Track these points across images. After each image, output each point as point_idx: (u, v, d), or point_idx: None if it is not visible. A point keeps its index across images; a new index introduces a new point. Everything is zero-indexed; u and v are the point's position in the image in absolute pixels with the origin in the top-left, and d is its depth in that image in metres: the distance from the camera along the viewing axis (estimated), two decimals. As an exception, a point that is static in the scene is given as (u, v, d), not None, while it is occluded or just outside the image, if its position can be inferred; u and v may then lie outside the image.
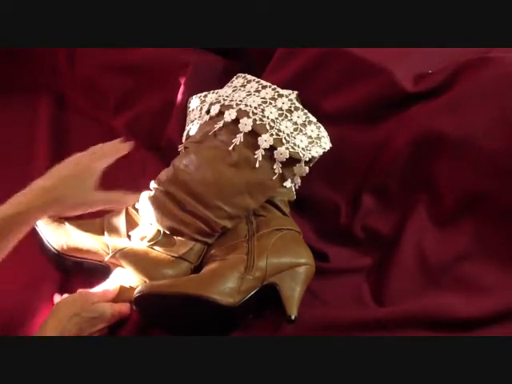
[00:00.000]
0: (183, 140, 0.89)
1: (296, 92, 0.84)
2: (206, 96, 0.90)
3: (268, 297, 0.75)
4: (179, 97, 0.95)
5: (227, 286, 0.70)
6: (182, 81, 0.95)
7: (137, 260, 0.77)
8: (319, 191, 0.90)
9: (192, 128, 0.87)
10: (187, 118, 0.92)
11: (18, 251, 0.82)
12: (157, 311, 0.73)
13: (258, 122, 0.76)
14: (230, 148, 0.76)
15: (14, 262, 0.81)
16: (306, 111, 0.80)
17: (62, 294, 0.79)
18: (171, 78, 0.97)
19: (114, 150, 0.77)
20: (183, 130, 0.91)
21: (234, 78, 0.85)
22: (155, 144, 0.99)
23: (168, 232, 0.77)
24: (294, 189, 0.86)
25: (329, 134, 0.85)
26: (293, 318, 0.72)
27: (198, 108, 0.90)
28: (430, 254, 0.85)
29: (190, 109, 0.91)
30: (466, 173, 0.85)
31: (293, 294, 0.74)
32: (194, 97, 0.92)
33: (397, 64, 0.86)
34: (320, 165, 0.89)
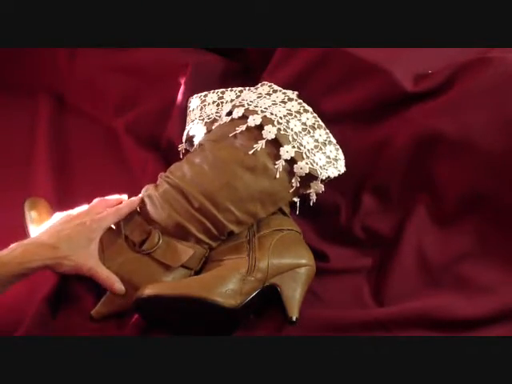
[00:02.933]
0: (183, 140, 0.89)
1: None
2: (206, 96, 0.90)
3: (269, 297, 0.75)
4: (179, 97, 0.95)
5: (229, 288, 0.71)
6: (182, 81, 0.95)
7: (133, 273, 0.75)
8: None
9: (192, 128, 0.87)
10: (187, 118, 0.92)
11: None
12: (158, 313, 0.73)
13: (282, 132, 0.76)
14: (250, 152, 0.76)
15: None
16: (327, 131, 0.80)
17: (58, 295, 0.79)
18: (171, 78, 0.97)
19: (116, 210, 0.77)
20: (183, 130, 0.91)
21: (259, 85, 0.85)
22: (155, 144, 0.99)
23: (171, 233, 0.76)
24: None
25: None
26: (294, 319, 0.73)
27: (199, 108, 0.89)
28: (430, 254, 0.85)
29: (190, 109, 0.91)
30: (466, 173, 0.85)
31: (294, 295, 0.74)
32: (194, 97, 0.92)
33: (397, 64, 0.86)
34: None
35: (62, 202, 0.91)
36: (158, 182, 0.79)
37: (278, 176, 0.76)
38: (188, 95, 0.93)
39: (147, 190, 0.79)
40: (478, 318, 0.76)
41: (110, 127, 1.03)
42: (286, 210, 0.84)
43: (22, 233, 0.81)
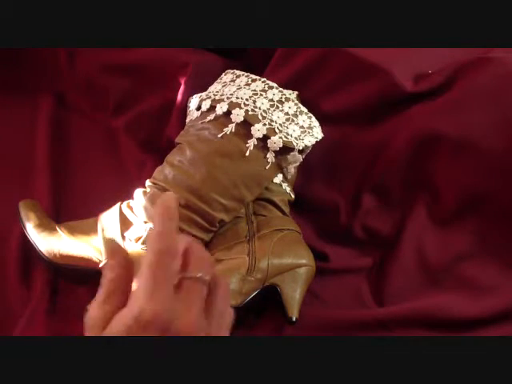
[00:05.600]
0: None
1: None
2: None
3: (269, 297, 0.75)
4: (179, 97, 0.95)
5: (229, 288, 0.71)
6: (182, 81, 0.95)
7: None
8: (319, 191, 0.90)
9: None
10: (187, 118, 0.92)
11: (11, 251, 0.83)
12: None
13: (250, 113, 0.78)
14: (220, 135, 0.78)
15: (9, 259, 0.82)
16: (296, 102, 0.81)
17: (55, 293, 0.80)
18: (171, 78, 0.97)
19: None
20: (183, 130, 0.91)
21: (223, 75, 0.87)
22: (155, 144, 0.99)
23: None
24: (290, 190, 0.86)
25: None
26: (294, 319, 0.73)
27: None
28: (430, 254, 0.85)
29: (190, 109, 0.91)
30: (466, 172, 0.85)
31: (294, 295, 0.74)
32: (194, 97, 0.92)
33: (397, 64, 0.86)
34: (320, 165, 0.90)
35: (60, 202, 0.92)
36: (145, 189, 0.81)
37: (248, 154, 0.77)
38: (188, 95, 0.93)
39: (137, 196, 0.80)
40: (478, 318, 0.76)
41: (109, 127, 1.03)
42: (286, 209, 0.84)
43: (21, 232, 0.82)
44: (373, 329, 0.76)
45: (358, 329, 0.76)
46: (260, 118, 0.78)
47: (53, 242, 0.79)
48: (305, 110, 0.82)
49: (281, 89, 0.81)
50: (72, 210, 0.91)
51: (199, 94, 0.90)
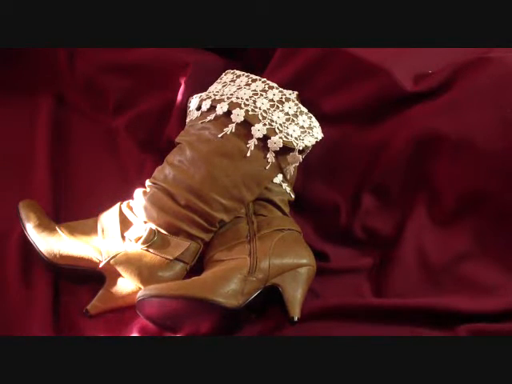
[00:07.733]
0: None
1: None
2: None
3: (270, 297, 0.75)
4: (179, 97, 0.95)
5: (231, 289, 0.71)
6: (182, 81, 0.96)
7: (131, 265, 0.76)
8: (319, 191, 0.90)
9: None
10: (187, 118, 0.92)
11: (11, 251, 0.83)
12: (160, 314, 0.73)
13: (250, 113, 0.78)
14: (220, 136, 0.78)
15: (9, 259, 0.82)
16: (296, 102, 0.81)
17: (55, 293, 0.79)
18: (171, 78, 0.97)
19: None
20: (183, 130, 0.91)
21: (223, 75, 0.87)
22: (155, 144, 0.99)
23: (164, 231, 0.77)
24: (290, 190, 0.86)
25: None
26: (295, 319, 0.73)
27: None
28: (430, 254, 0.86)
29: (190, 109, 0.91)
30: (466, 172, 0.86)
31: (295, 295, 0.74)
32: (194, 97, 0.92)
33: (396, 64, 0.86)
34: (320, 165, 0.90)
35: (60, 202, 0.92)
36: (145, 189, 0.81)
37: (249, 154, 0.77)
38: (188, 95, 0.93)
39: (137, 196, 0.80)
40: (478, 318, 0.76)
41: (109, 127, 1.03)
42: (286, 209, 0.84)
43: (21, 232, 0.82)
44: (371, 317, 0.77)
45: (356, 315, 0.77)
46: (260, 118, 0.78)
47: (53, 243, 0.79)
48: (305, 110, 0.82)
49: (281, 89, 0.81)
50: (72, 210, 0.91)
51: (199, 94, 0.90)
